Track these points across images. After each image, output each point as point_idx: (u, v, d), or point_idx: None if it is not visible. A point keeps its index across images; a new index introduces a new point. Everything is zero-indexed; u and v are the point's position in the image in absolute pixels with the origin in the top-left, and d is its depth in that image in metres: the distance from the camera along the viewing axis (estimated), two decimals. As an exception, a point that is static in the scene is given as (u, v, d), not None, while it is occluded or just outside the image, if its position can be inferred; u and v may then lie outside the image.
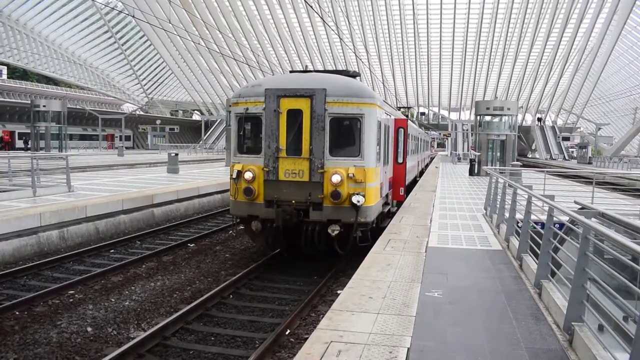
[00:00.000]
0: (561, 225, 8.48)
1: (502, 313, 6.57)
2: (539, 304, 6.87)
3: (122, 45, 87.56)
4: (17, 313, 9.18)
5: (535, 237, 8.31)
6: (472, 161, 32.85)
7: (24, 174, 19.41)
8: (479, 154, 33.94)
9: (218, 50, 68.87)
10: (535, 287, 7.45)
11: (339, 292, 8.69)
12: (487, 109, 34.98)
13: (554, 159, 75.37)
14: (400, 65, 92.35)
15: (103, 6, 71.77)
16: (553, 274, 7.22)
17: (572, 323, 5.48)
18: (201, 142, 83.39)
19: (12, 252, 12.64)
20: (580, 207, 9.24)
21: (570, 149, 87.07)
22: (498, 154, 33.95)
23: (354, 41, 79.65)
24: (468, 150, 43.45)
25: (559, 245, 7.31)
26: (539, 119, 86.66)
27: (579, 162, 66.76)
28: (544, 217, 7.96)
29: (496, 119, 34.72)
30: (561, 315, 5.87)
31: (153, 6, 64.81)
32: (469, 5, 75.36)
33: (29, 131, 54.07)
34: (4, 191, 16.66)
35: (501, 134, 33.86)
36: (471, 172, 31.91)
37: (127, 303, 10.02)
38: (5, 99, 76.87)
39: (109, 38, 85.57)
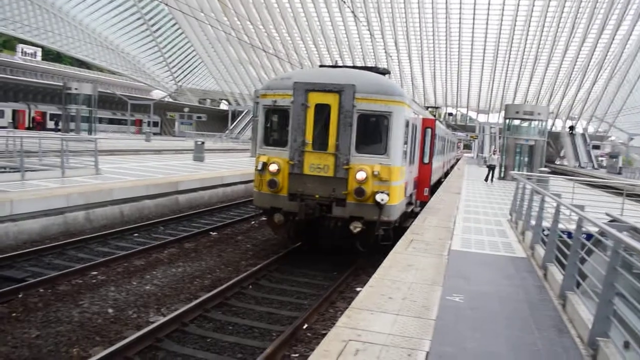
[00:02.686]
0: (589, 236, 8.32)
1: (524, 322, 6.47)
2: (563, 316, 6.74)
3: (154, 32, 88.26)
4: (41, 290, 9.35)
5: (562, 246, 8.16)
6: (490, 167, 29.82)
7: (53, 154, 19.69)
8: (496, 157, 31.73)
9: (248, 41, 69.10)
10: (559, 298, 7.32)
11: (358, 289, 8.66)
12: (517, 112, 34.38)
13: (582, 167, 74.09)
14: (430, 64, 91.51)
15: (137, -8, 72.48)
16: (578, 285, 7.08)
17: (597, 338, 5.36)
18: (227, 132, 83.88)
19: (39, 231, 12.87)
20: (611, 219, 9.04)
21: (600, 158, 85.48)
22: (525, 159, 33.38)
23: (384, 38, 79.20)
24: (489, 154, 38.81)
25: (586, 257, 7.16)
26: (571, 127, 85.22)
27: (609, 172, 65.50)
28: (571, 227, 7.81)
29: (525, 124, 34.12)
30: (585, 329, 5.75)
31: (187, -6, 65.20)
32: (503, 6, 74.27)
33: (60, 113, 54.88)
34: (33, 170, 16.96)
35: (530, 139, 33.27)
36: (487, 178, 29.12)
37: (148, 287, 10.12)
38: (39, 80, 78.09)
39: (142, 25, 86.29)
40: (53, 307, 8.72)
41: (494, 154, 33.19)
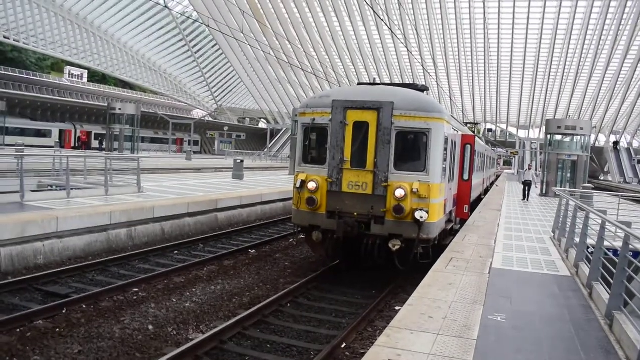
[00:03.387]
0: (635, 253, 8.04)
1: (569, 343, 6.27)
2: (610, 337, 6.52)
3: (195, 53, 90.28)
4: (84, 306, 9.54)
5: (608, 264, 7.92)
6: (526, 183, 27.78)
7: (97, 173, 20.22)
8: (532, 172, 29.08)
9: (287, 61, 69.89)
10: (606, 317, 7.08)
11: (397, 308, 8.56)
12: (559, 127, 33.69)
13: (627, 183, 71.95)
14: (468, 80, 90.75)
15: (179, 15, 74.34)
16: (625, 304, 6.84)
17: (647, 359, 5.17)
18: (266, 150, 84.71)
19: (83, 248, 13.18)
20: (658, 236, 8.74)
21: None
22: (568, 175, 32.61)
23: (422, 54, 78.96)
24: (525, 169, 34.78)
25: (633, 275, 6.93)
26: (616, 143, 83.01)
27: (656, 188, 63.41)
28: (616, 244, 7.58)
29: (567, 139, 33.39)
30: (634, 350, 5.55)
31: (226, 16, 66.64)
32: (542, 20, 73.24)
33: (104, 132, 56.49)
34: (78, 189, 17.43)
35: (572, 154, 32.51)
36: (524, 196, 27.51)
37: (187, 304, 10.22)
38: (85, 101, 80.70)
39: (183, 46, 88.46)
40: (95, 323, 8.88)
41: (529, 169, 30.77)
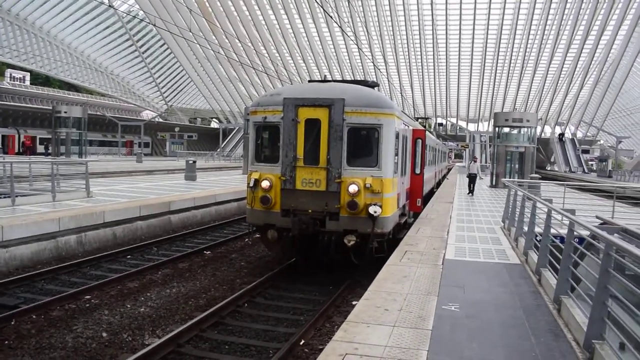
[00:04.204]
0: (581, 239, 8.35)
1: (520, 329, 6.46)
2: (558, 321, 6.75)
3: (143, 53, 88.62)
4: (34, 317, 9.24)
5: (555, 251, 8.19)
6: (470, 177, 26.33)
7: (44, 178, 19.62)
8: (477, 165, 27.59)
9: (237, 59, 69.42)
10: (554, 302, 7.33)
11: (354, 303, 8.64)
12: (506, 120, 34.63)
13: (573, 172, 74.56)
14: (418, 76, 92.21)
15: (125, 15, 72.74)
16: (572, 289, 7.09)
17: (593, 341, 5.37)
18: (219, 150, 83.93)
19: (30, 256, 12.77)
20: (601, 222, 9.09)
21: (590, 162, 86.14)
22: (516, 166, 33.55)
23: (372, 51, 79.77)
24: (469, 162, 31.93)
25: (579, 260, 7.18)
26: (561, 135, 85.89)
27: (599, 176, 65.97)
28: (563, 231, 7.84)
29: (515, 131, 34.33)
30: (581, 332, 5.76)
31: (174, 15, 65.61)
32: (488, 16, 75.10)
33: (49, 136, 54.81)
34: (24, 195, 16.87)
35: (520, 145, 33.46)
36: (470, 190, 25.98)
37: (142, 309, 10.04)
38: (28, 105, 78.04)
39: (130, 46, 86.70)
40: (46, 333, 8.62)
41: (474, 161, 29.12)
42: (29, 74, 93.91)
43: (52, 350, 8.00)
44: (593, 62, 76.40)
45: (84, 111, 51.65)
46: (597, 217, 9.98)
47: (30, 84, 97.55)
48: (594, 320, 5.41)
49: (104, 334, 8.70)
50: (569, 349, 5.82)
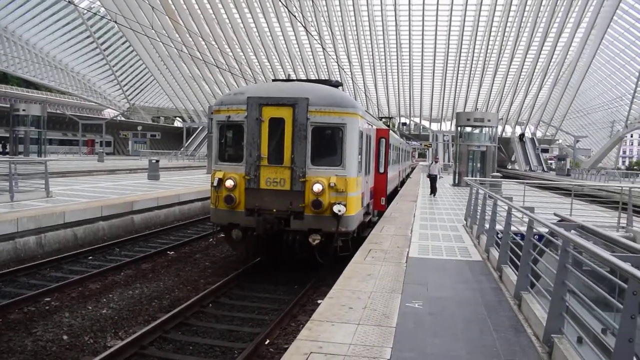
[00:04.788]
0: (541, 236, 8.55)
1: (482, 324, 6.59)
2: (519, 316, 6.90)
3: (104, 50, 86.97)
4: (-9, 320, 8.99)
5: (515, 248, 8.37)
6: (431, 177, 25.28)
7: (1, 178, 19.07)
8: (438, 166, 26.38)
9: (201, 58, 68.76)
10: (515, 298, 7.49)
11: (319, 301, 8.65)
12: (468, 120, 35.23)
13: (533, 171, 76.28)
14: (382, 76, 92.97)
15: (85, 11, 71.21)
16: (532, 285, 7.26)
17: (552, 335, 5.51)
18: (182, 149, 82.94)
19: (-14, 259, 12.39)
20: (559, 219, 9.33)
21: (549, 161, 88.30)
22: (478, 165, 34.13)
23: (336, 51, 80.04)
24: (430, 162, 28.84)
25: (538, 257, 7.36)
26: (522, 135, 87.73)
27: (558, 174, 67.69)
28: (523, 229, 8.02)
29: (476, 130, 34.96)
30: (541, 327, 5.90)
31: (136, 12, 64.55)
32: (450, 17, 76.24)
33: (7, 135, 53.31)
34: (-21, 196, 16.37)
35: (481, 145, 34.09)
36: (432, 191, 25.01)
37: (104, 311, 9.87)
38: (-17, 103, 75.73)
39: (91, 43, 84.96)
40: (5, 337, 8.39)
41: (435, 162, 27.82)
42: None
43: (11, 354, 7.79)
44: (552, 63, 78.32)
45: (43, 109, 50.44)
46: (556, 215, 10.22)
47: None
48: (553, 315, 5.55)
49: (65, 337, 8.52)
50: (529, 343, 5.96)
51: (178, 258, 14.51)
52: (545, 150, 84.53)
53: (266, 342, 8.36)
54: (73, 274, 12.20)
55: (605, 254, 4.51)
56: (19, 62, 78.56)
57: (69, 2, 32.10)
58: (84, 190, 21.24)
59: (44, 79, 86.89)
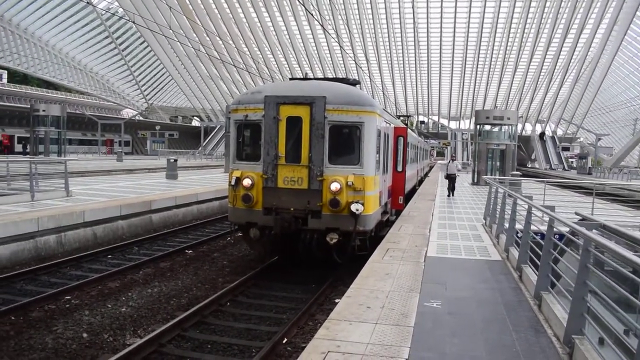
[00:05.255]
0: (561, 236, 8.43)
1: (501, 325, 6.51)
2: (539, 316, 6.81)
3: (123, 50, 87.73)
4: (12, 318, 9.11)
5: (535, 247, 8.26)
6: (450, 177, 24.05)
7: (22, 178, 19.33)
8: (456, 164, 24.76)
9: (218, 57, 69.07)
10: (535, 298, 7.39)
11: (336, 301, 8.63)
12: (487, 118, 34.90)
13: (553, 169, 75.44)
14: (400, 74, 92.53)
15: (104, 12, 71.93)
16: (553, 285, 7.16)
17: (573, 336, 5.42)
18: (200, 148, 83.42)
19: (9, 257, 12.57)
20: (580, 218, 9.19)
21: (570, 160, 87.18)
22: (497, 163, 33.82)
23: (354, 49, 79.86)
24: (448, 161, 27.00)
25: (559, 257, 7.26)
26: (542, 134, 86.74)
27: (579, 173, 66.81)
28: (543, 228, 7.91)
29: (496, 129, 34.63)
30: (561, 327, 5.81)
31: (154, 12, 65.06)
32: (469, 14, 75.60)
33: (28, 135, 54.04)
34: (2, 195, 16.60)
35: (501, 143, 33.76)
36: (449, 193, 23.89)
37: (123, 309, 9.95)
38: (5, 103, 76.77)
39: (110, 43, 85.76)
40: (26, 334, 8.49)
41: (452, 160, 26.39)
42: (6, 72, 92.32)
43: (32, 351, 7.89)
44: (573, 60, 77.31)
45: (62, 109, 51.01)
46: (577, 214, 10.06)
47: (8, 82, 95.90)
48: (574, 316, 5.46)
49: (85, 335, 8.60)
50: (549, 344, 5.87)
51: (196, 257, 14.59)
52: (566, 149, 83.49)
53: (284, 341, 8.36)
54: (93, 272, 12.32)
55: (628, 254, 4.42)
56: (39, 63, 79.58)
57: (88, 3, 32.43)
58: (103, 190, 21.45)
59: (63, 80, 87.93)
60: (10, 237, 12.75)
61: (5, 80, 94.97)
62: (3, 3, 68.08)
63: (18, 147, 60.69)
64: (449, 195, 23.73)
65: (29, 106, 56.48)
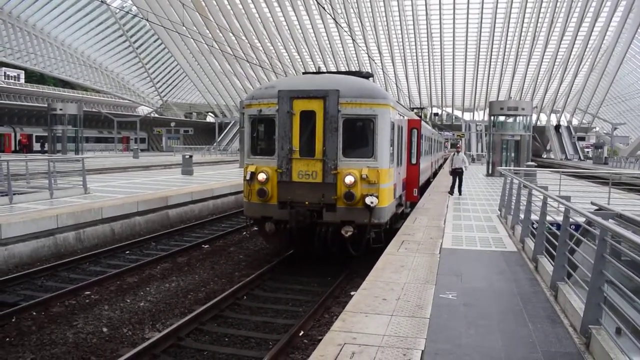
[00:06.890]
0: (577, 226, 8.40)
1: (517, 315, 6.51)
2: (555, 307, 6.80)
3: (137, 48, 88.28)
4: (34, 313, 9.27)
5: (551, 238, 8.24)
6: (455, 172, 20.47)
7: (41, 176, 19.61)
8: (462, 158, 20.45)
9: (231, 53, 69.17)
10: (551, 289, 7.38)
11: (352, 293, 8.68)
12: (501, 109, 34.64)
13: (569, 160, 74.72)
14: (413, 66, 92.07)
15: (117, 10, 72.40)
16: (569, 275, 7.14)
17: (589, 326, 5.42)
18: (215, 144, 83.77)
19: (29, 254, 12.77)
20: (597, 208, 9.14)
21: (586, 149, 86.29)
22: (512, 154, 33.59)
23: (366, 42, 79.59)
24: (453, 153, 22.23)
25: (575, 247, 7.24)
26: (557, 126, 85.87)
27: (595, 163, 66.12)
28: (559, 218, 7.88)
29: (510, 119, 34.38)
30: (578, 318, 5.81)
31: (167, 9, 65.36)
32: (482, 5, 74.95)
33: (46, 134, 54.69)
34: (21, 193, 16.85)
35: (515, 134, 33.52)
36: (452, 190, 20.41)
37: (142, 304, 10.08)
38: (23, 103, 77.75)
39: (124, 42, 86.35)
40: (47, 329, 8.65)
41: (457, 152, 21.92)
42: (23, 72, 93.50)
43: (53, 346, 8.03)
44: (587, 49, 76.34)
45: (79, 108, 51.57)
46: (593, 204, 10.02)
47: (25, 81, 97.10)
48: (591, 306, 5.46)
49: (105, 329, 8.74)
50: (565, 334, 5.87)
51: (213, 251, 14.71)
52: (581, 139, 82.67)
53: (300, 334, 8.42)
54: (111, 268, 12.49)
55: (645, 243, 4.41)
56: (55, 63, 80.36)
57: (102, 1, 32.66)
58: (120, 186, 21.68)
59: (79, 79, 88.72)
60: (31, 234, 12.97)
61: (22, 81, 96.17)
62: (19, 4, 68.78)
63: (36, 146, 61.41)
64: (451, 193, 20.30)
65: (46, 105, 57.11)
